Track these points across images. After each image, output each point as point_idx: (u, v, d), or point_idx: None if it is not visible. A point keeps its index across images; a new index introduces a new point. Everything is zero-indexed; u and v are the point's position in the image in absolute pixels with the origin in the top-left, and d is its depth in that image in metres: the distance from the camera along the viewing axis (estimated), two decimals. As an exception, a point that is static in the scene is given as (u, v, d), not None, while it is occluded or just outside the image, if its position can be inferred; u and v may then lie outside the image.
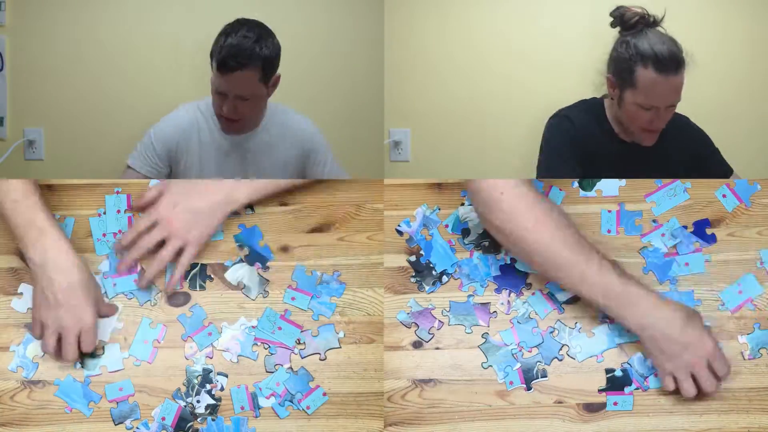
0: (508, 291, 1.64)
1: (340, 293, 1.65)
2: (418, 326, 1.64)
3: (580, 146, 1.83)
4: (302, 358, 1.62)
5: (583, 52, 2.09)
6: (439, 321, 1.64)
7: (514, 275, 1.65)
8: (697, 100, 2.18)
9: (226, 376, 1.61)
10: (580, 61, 2.11)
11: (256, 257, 1.67)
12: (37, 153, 2.22)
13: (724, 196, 1.67)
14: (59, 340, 1.53)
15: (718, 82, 2.18)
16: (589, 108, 1.89)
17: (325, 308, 1.64)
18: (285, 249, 1.67)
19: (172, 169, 1.98)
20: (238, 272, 1.66)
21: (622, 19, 1.81)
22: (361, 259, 1.66)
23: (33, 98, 2.20)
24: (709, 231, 1.66)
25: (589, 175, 1.73)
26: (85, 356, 1.59)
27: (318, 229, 1.68)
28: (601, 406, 1.59)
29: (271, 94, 1.94)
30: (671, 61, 1.74)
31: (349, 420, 1.60)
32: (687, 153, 1.89)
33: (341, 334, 1.63)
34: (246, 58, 1.82)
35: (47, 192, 1.65)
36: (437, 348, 1.63)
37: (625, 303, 1.48)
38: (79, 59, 2.18)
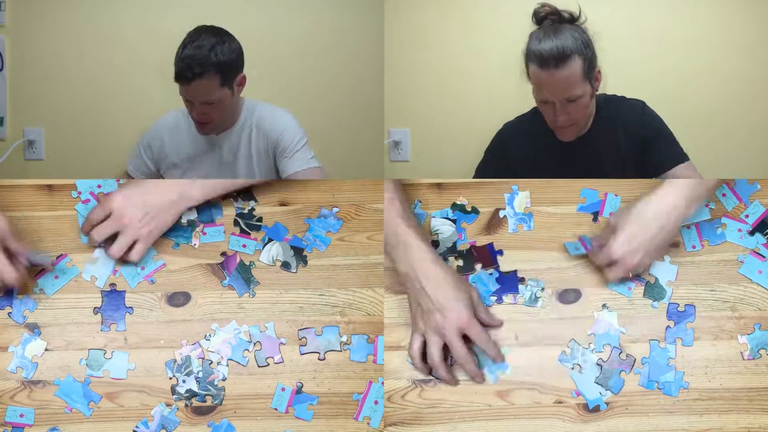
0: (509, 294, 1.64)
1: (336, 228, 1.66)
2: (418, 326, 1.64)
3: (510, 149, 1.92)
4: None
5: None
6: (439, 321, 1.64)
7: (514, 277, 1.64)
8: (698, 100, 2.19)
9: (225, 377, 1.61)
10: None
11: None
12: (37, 153, 2.23)
13: (723, 195, 1.67)
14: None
15: (718, 82, 2.19)
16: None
17: (320, 242, 1.65)
18: (285, 249, 1.68)
19: (159, 170, 2.04)
20: (272, 251, 1.66)
21: (536, 15, 1.81)
22: (361, 259, 1.66)
23: (33, 98, 2.20)
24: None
25: (525, 172, 1.80)
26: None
27: (318, 229, 1.68)
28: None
29: (238, 93, 1.97)
30: (551, 57, 1.73)
31: (349, 420, 1.60)
32: (633, 139, 1.88)
33: (344, 338, 1.63)
34: (201, 67, 1.86)
35: (47, 192, 1.66)
36: (437, 348, 1.63)
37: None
38: (79, 59, 2.18)
